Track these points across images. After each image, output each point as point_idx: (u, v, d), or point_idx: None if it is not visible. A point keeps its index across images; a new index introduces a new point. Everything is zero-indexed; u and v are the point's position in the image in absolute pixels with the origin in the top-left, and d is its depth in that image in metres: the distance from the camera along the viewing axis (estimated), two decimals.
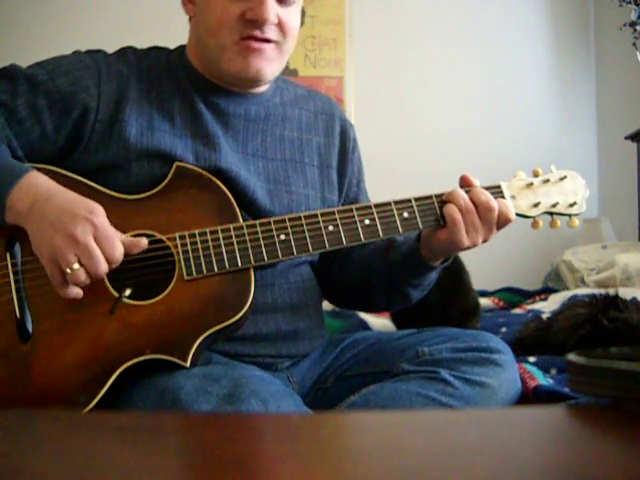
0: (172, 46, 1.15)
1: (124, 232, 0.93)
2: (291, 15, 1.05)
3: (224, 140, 1.06)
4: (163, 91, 1.06)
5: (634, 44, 2.71)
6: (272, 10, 1.00)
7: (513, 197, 1.05)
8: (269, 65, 1.04)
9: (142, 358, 0.90)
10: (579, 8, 3.52)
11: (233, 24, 1.00)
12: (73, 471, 0.38)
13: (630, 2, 2.65)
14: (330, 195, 1.17)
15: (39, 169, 0.96)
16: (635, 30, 2.68)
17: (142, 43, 1.14)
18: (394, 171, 3.09)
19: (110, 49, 1.10)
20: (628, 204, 2.98)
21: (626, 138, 2.87)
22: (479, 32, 3.45)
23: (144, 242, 0.93)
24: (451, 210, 0.99)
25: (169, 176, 0.99)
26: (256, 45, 1.02)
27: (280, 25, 1.03)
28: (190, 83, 1.08)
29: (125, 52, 1.09)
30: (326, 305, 1.25)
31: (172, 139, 1.02)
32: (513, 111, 3.44)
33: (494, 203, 1.00)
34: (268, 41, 1.02)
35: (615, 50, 3.24)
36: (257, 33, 1.01)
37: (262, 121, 1.12)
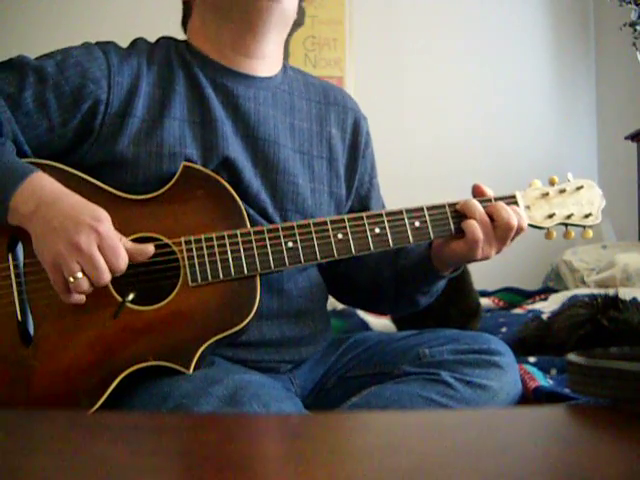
0: None
1: (129, 234, 0.92)
2: None
3: (233, 126, 1.05)
4: (172, 77, 1.05)
5: (634, 44, 2.71)
6: None
7: (527, 207, 1.03)
8: None
9: (144, 364, 0.89)
10: (579, 8, 3.52)
11: None
12: (73, 471, 0.38)
13: (630, 2, 2.65)
14: (338, 189, 1.15)
15: (43, 166, 0.94)
16: (635, 30, 2.67)
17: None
18: (394, 172, 3.08)
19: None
20: (628, 204, 2.98)
21: (626, 138, 2.87)
22: (479, 32, 3.44)
23: (150, 250, 0.92)
24: (473, 227, 0.98)
25: (176, 176, 0.97)
26: None
27: None
28: (199, 67, 1.07)
29: (136, 42, 1.09)
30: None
31: (181, 126, 1.01)
32: (513, 111, 3.44)
33: (514, 221, 0.98)
34: None
35: (615, 50, 3.24)
36: None
37: (271, 107, 1.10)
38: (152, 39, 1.13)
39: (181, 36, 1.15)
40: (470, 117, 3.40)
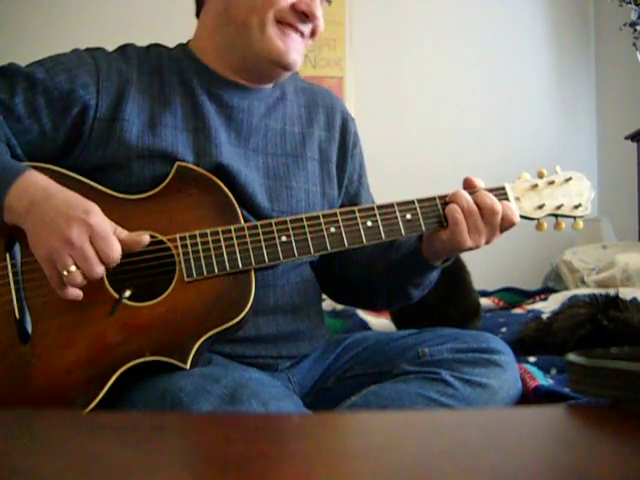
0: (172, 45, 1.14)
1: None
2: (322, 17, 1.08)
3: (226, 134, 1.06)
4: (164, 85, 1.06)
5: (634, 44, 2.71)
6: (320, 7, 1.05)
7: (517, 199, 1.04)
8: (300, 57, 1.07)
9: (142, 360, 0.90)
10: (579, 8, 3.52)
11: (282, 8, 1.02)
12: (73, 471, 0.38)
13: (630, 2, 2.65)
14: (330, 190, 1.16)
15: (38, 168, 0.95)
16: (635, 30, 2.68)
17: (141, 42, 1.13)
18: (394, 171, 3.09)
19: (109, 48, 1.09)
20: (628, 204, 2.98)
21: (626, 138, 2.87)
22: (479, 32, 3.45)
23: (145, 239, 0.92)
24: (452, 210, 0.99)
25: (170, 176, 0.98)
26: (293, 35, 1.04)
27: (315, 23, 1.06)
28: (194, 74, 1.08)
29: (125, 49, 1.09)
30: (326, 305, 1.24)
31: (173, 133, 1.02)
32: (513, 110, 3.44)
33: (498, 206, 0.99)
34: (301, 34, 1.05)
35: (615, 50, 3.24)
36: (298, 25, 1.04)
37: (264, 115, 1.11)
38: (149, 42, 1.12)
39: (176, 42, 1.14)
40: (470, 117, 3.40)
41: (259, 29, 1.03)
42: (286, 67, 1.06)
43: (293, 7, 1.03)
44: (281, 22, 1.03)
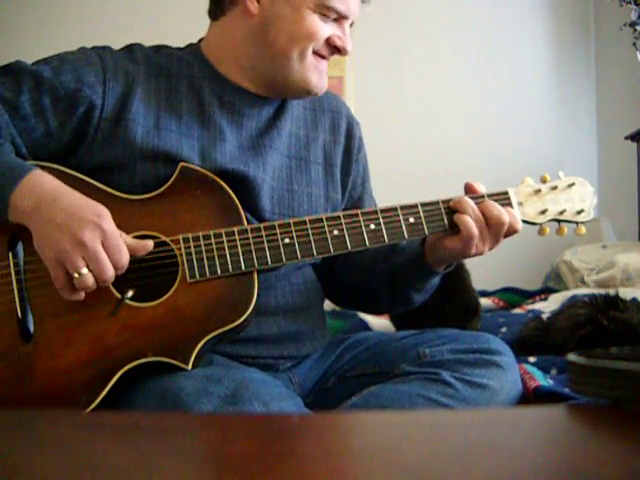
0: (173, 44, 1.14)
1: (129, 233, 0.93)
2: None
3: (233, 140, 1.06)
4: (172, 88, 1.05)
5: (634, 44, 2.71)
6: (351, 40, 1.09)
7: (520, 204, 1.04)
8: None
9: (143, 360, 0.90)
10: (579, 8, 3.52)
11: (319, 42, 1.05)
12: (73, 471, 0.38)
13: (630, 2, 2.65)
14: (334, 194, 1.16)
15: (43, 167, 0.95)
16: (635, 30, 2.68)
17: (145, 41, 1.13)
18: (394, 171, 3.09)
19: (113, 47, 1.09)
20: (628, 204, 2.98)
21: (626, 138, 2.87)
22: (479, 32, 3.44)
23: (150, 244, 0.93)
24: (469, 224, 0.99)
25: (174, 177, 0.98)
26: (323, 65, 1.08)
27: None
28: (205, 80, 1.08)
29: (132, 49, 1.08)
30: (327, 305, 1.24)
31: (178, 138, 1.02)
32: (513, 111, 3.44)
33: (506, 217, 1.00)
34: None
35: (615, 50, 3.24)
36: (328, 57, 1.08)
37: (272, 120, 1.12)
38: (150, 43, 1.12)
39: (175, 42, 1.14)
40: (470, 117, 3.40)
41: (299, 60, 1.04)
42: (317, 94, 1.09)
43: (327, 41, 1.06)
44: (316, 54, 1.06)
